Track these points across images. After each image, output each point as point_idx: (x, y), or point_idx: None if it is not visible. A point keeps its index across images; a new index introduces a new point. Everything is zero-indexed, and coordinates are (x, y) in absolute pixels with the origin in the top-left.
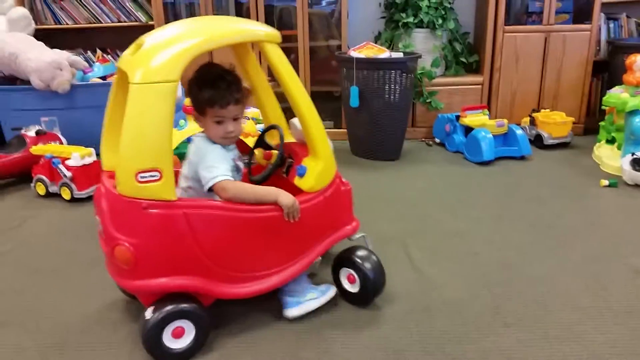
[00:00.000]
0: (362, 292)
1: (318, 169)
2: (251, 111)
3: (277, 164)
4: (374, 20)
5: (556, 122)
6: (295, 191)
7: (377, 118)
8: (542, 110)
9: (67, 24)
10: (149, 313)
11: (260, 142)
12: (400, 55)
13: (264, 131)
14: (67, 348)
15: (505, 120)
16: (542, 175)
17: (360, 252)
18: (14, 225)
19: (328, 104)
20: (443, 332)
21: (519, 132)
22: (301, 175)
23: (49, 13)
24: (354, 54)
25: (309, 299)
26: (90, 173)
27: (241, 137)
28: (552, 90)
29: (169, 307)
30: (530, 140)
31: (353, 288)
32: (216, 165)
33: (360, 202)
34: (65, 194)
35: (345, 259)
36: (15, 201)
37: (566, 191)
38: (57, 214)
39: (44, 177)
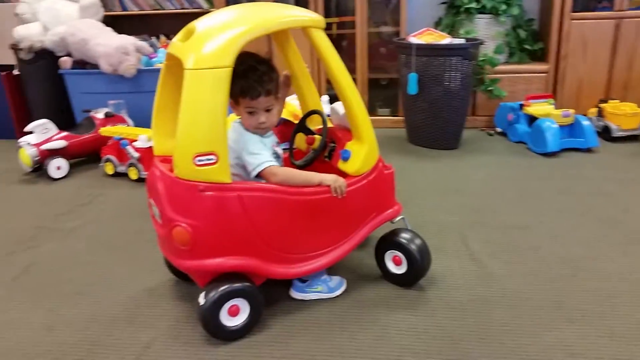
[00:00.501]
0: (409, 273)
1: (363, 153)
2: None
3: (320, 148)
4: (434, 6)
5: (626, 114)
6: (339, 175)
7: (436, 106)
8: (611, 101)
9: (133, 10)
10: (204, 293)
11: (301, 127)
12: (461, 41)
13: (305, 116)
14: (136, 321)
15: (572, 111)
16: (610, 169)
17: (406, 234)
18: (84, 202)
19: (384, 91)
20: (502, 324)
21: (585, 123)
22: (346, 159)
23: (116, 0)
24: (414, 40)
25: (315, 291)
26: (151, 155)
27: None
28: (622, 80)
29: (225, 286)
30: (597, 131)
31: (399, 270)
32: (260, 152)
33: (418, 192)
34: (133, 174)
35: (390, 241)
36: (85, 180)
37: (635, 185)
38: (125, 193)
39: (112, 158)
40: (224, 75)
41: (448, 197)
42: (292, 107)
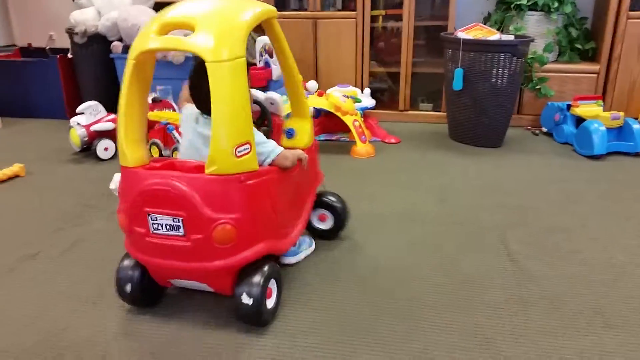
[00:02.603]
0: (334, 228)
1: (309, 128)
2: (350, 90)
3: (267, 132)
4: (484, 1)
5: None
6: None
7: (481, 102)
8: None
9: None
10: (246, 294)
11: None
12: (511, 38)
13: None
14: (174, 300)
15: (621, 113)
16: None
17: (331, 196)
18: None
19: (427, 85)
20: (538, 325)
21: (635, 126)
22: (291, 136)
23: None
24: (462, 34)
25: (303, 250)
26: None
27: (339, 115)
28: None
29: (259, 277)
30: None
31: (325, 225)
32: (267, 141)
33: (458, 189)
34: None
35: (318, 202)
36: None
37: None
38: None
39: (158, 141)
40: (244, 65)
41: (489, 196)
42: (334, 99)
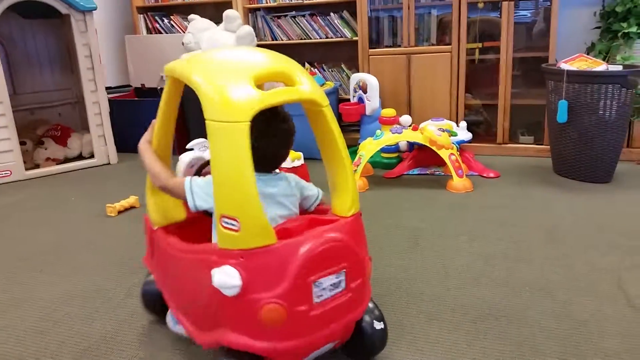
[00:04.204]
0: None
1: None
2: (444, 123)
3: None
4: (586, 31)
5: None
6: None
7: (587, 135)
8: None
9: (282, 39)
10: (376, 320)
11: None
12: (619, 68)
13: (203, 166)
14: None
15: None
16: None
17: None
18: None
19: (526, 117)
20: None
21: None
22: None
23: (268, 30)
24: (565, 66)
25: None
26: (299, 174)
27: (435, 148)
28: None
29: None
30: None
31: None
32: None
33: (565, 228)
34: None
35: None
36: None
37: None
38: None
39: None
40: None
41: (600, 236)
42: (429, 132)
